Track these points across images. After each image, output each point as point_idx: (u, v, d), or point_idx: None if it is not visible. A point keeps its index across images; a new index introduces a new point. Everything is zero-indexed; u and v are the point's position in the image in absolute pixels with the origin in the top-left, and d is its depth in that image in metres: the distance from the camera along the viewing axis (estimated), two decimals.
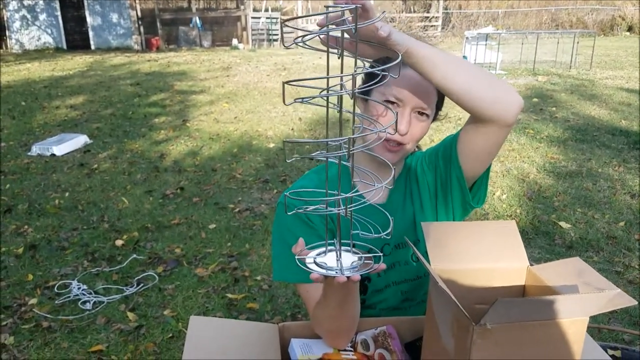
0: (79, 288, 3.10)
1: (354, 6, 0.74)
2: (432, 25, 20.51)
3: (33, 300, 2.99)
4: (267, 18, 19.39)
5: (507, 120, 1.10)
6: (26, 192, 4.63)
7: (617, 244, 3.45)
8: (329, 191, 0.87)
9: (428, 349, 1.01)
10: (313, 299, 1.15)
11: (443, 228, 1.08)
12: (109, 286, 3.14)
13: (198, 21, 18.55)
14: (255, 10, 20.54)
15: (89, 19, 17.81)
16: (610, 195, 4.24)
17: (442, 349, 0.93)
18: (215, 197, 4.46)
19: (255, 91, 9.23)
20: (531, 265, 1.05)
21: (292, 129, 6.59)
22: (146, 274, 3.26)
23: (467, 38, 11.55)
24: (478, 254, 1.04)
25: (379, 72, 0.81)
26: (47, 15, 17.67)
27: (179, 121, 7.15)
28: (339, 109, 0.80)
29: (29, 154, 5.73)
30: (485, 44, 11.18)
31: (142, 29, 17.86)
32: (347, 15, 0.80)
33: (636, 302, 0.86)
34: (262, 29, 19.12)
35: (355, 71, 0.79)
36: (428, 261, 1.03)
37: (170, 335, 2.68)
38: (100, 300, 3.00)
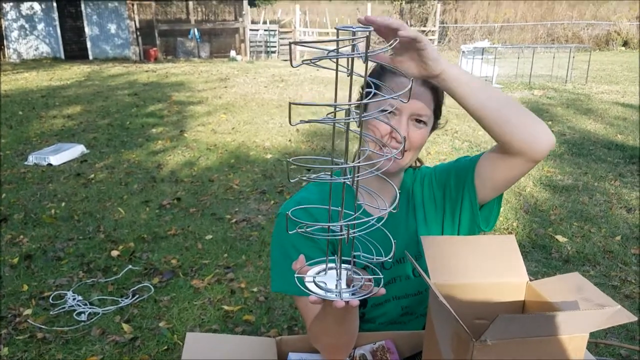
0: (74, 299, 3.08)
1: (366, 30, 0.72)
2: (428, 39, 20.64)
3: (28, 311, 2.97)
4: (265, 30, 19.48)
5: (536, 156, 1.09)
6: (22, 201, 4.62)
7: (613, 258, 3.46)
8: (332, 208, 0.87)
9: None
10: (312, 313, 1.15)
11: (443, 242, 1.08)
12: (104, 297, 3.12)
13: (196, 32, 18.62)
14: (253, 22, 20.63)
15: (87, 29, 17.85)
16: (606, 209, 4.25)
17: None
18: (212, 207, 4.45)
19: (253, 102, 9.25)
20: (530, 280, 1.05)
21: (290, 140, 6.60)
22: (142, 285, 3.24)
23: (463, 52, 11.62)
24: (478, 268, 1.04)
25: (378, 87, 0.81)
26: (45, 25, 17.71)
27: (176, 132, 7.15)
28: (346, 128, 0.79)
29: (26, 163, 5.71)
30: (482, 58, 11.24)
31: (140, 39, 17.91)
32: (361, 39, 0.78)
33: (636, 319, 0.86)
34: (260, 41, 19.20)
35: (363, 97, 0.78)
36: (428, 276, 1.03)
37: (166, 347, 2.67)
38: (95, 311, 2.98)
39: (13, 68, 14.78)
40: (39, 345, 2.67)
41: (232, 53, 18.15)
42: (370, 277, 0.87)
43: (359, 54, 0.72)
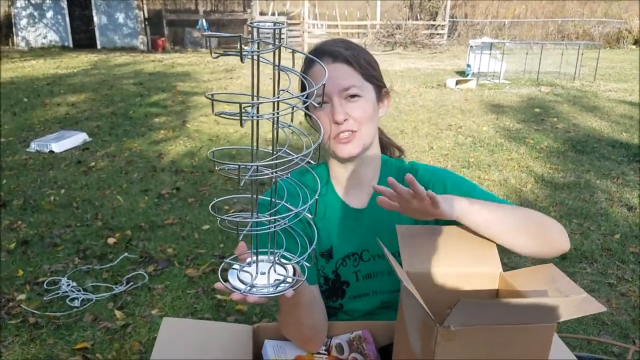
0: (68, 285, 3.08)
1: (278, 26, 0.75)
2: (438, 34, 20.52)
3: (22, 296, 2.98)
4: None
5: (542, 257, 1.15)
6: (22, 187, 4.63)
7: (611, 256, 3.43)
8: (282, 203, 0.90)
9: (397, 351, 1.00)
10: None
11: (418, 231, 1.06)
12: (98, 284, 3.13)
13: (204, 23, 18.60)
14: (262, 13, 20.59)
15: (95, 18, 17.87)
16: (607, 207, 4.21)
17: (410, 351, 0.92)
18: (211, 198, 4.44)
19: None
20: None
21: (293, 133, 6.57)
22: (136, 272, 3.24)
23: (471, 47, 11.54)
24: (452, 258, 1.02)
25: (310, 94, 0.85)
26: (54, 13, 17.74)
27: (179, 122, 7.15)
28: (274, 121, 0.84)
29: (28, 150, 5.73)
30: (490, 53, 11.15)
31: (148, 29, 17.91)
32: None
33: (605, 309, 0.84)
34: (267, 33, 19.13)
35: (278, 95, 0.82)
36: (401, 264, 1.01)
37: (157, 334, 2.66)
38: (89, 297, 2.99)
39: (21, 56, 14.83)
40: (30, 330, 2.68)
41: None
42: (290, 275, 0.88)
43: (271, 49, 0.76)
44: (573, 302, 0.79)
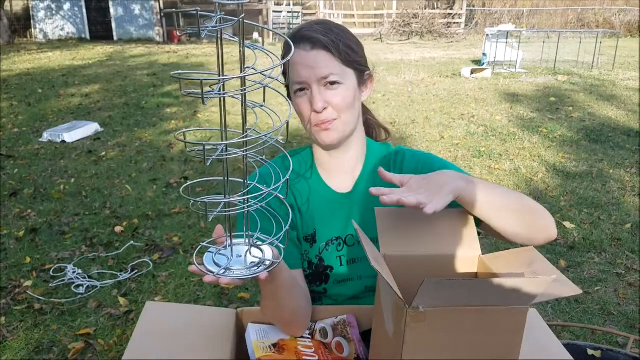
0: (73, 272, 3.11)
1: (240, 1, 0.74)
2: (455, 22, 20.30)
3: (28, 283, 3.01)
4: (288, 12, 19.39)
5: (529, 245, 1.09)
6: (33, 176, 4.68)
7: (621, 246, 3.36)
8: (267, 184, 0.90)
9: (375, 334, 0.98)
10: None
11: (397, 213, 1.04)
12: (103, 271, 3.15)
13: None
14: (277, 4, 20.55)
15: (112, 10, 17.99)
16: (619, 196, 4.13)
17: (385, 334, 0.90)
18: (218, 187, 4.45)
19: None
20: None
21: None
22: (141, 260, 3.26)
23: (487, 35, 11.38)
24: (430, 241, 1.00)
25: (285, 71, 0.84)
26: (71, 5, 17.89)
27: (190, 112, 7.17)
28: (242, 100, 0.84)
29: (40, 140, 5.79)
30: (506, 42, 11.00)
31: (163, 20, 17.98)
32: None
33: (581, 292, 0.82)
34: (283, 23, 19.13)
35: (245, 71, 0.81)
36: (378, 247, 0.99)
37: None
38: (94, 284, 3.01)
39: (38, 47, 14.98)
40: (35, 316, 2.71)
41: (255, 35, 18.10)
42: (266, 258, 0.88)
43: (234, 21, 0.75)
44: (544, 283, 0.76)
